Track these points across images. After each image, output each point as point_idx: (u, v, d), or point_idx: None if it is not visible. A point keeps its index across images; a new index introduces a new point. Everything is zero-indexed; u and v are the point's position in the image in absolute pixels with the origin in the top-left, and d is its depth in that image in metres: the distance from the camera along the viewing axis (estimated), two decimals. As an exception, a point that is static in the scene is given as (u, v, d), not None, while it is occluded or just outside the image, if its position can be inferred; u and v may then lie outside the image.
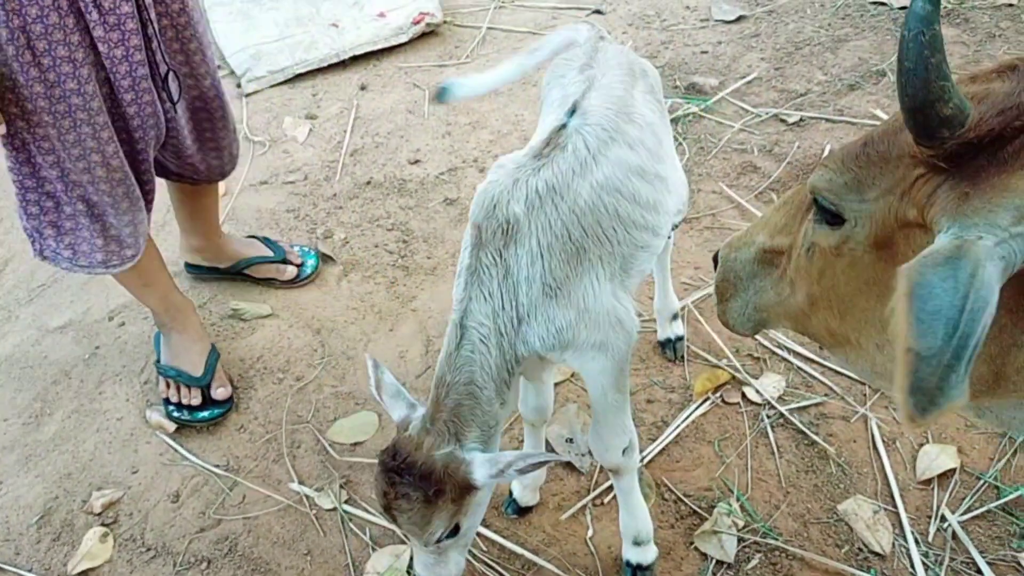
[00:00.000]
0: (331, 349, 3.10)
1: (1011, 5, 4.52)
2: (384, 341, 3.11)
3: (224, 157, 2.85)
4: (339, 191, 3.82)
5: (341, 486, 2.64)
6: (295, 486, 2.65)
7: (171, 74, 2.46)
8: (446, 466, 1.71)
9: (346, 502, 2.60)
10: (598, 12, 4.93)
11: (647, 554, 2.31)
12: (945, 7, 4.56)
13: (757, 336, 2.83)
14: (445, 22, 4.91)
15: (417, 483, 1.69)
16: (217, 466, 2.74)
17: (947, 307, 0.94)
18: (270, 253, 3.32)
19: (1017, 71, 1.10)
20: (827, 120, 3.92)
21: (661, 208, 1.98)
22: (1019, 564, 2.28)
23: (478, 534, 2.48)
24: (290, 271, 3.32)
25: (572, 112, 1.86)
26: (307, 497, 2.62)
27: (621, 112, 1.91)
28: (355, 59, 4.68)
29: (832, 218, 1.31)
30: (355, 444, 2.77)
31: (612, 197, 1.80)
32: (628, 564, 2.32)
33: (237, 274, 3.33)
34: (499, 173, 1.77)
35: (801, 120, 3.94)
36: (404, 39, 4.74)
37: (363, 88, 4.50)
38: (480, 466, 1.74)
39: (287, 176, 3.94)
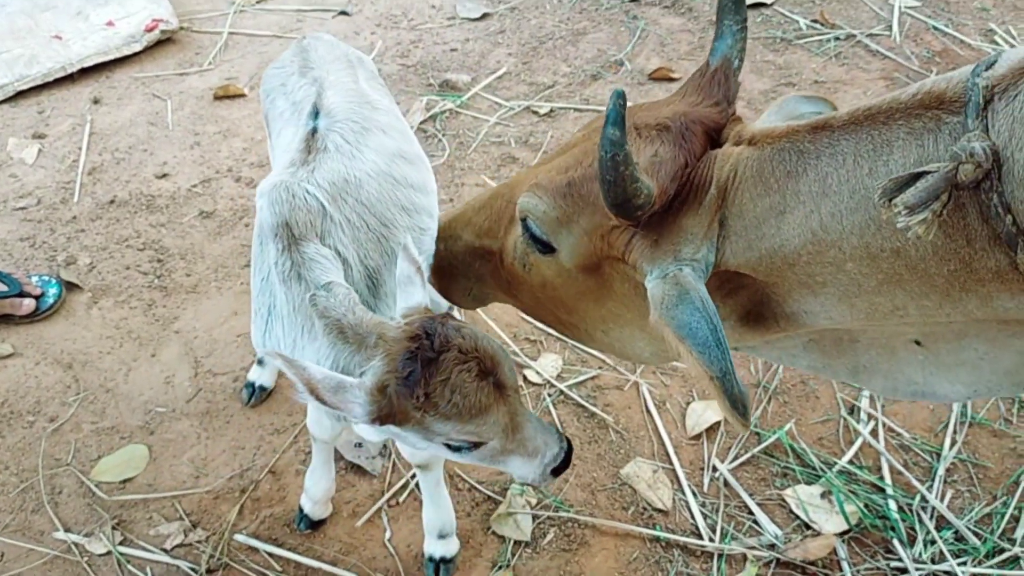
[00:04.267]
0: (86, 383, 2.84)
1: (725, -4, 4.93)
2: (147, 368, 2.90)
3: None
4: (79, 213, 3.51)
5: (114, 527, 2.43)
6: (61, 535, 2.41)
7: None
8: (407, 316, 1.54)
9: (121, 543, 2.39)
10: (344, 13, 4.87)
11: (451, 546, 2.31)
12: (669, -1, 4.91)
13: (530, 319, 2.90)
14: (182, 28, 4.65)
15: (440, 320, 1.47)
16: (-37, 528, 2.44)
17: (706, 332, 1.23)
18: (3, 287, 3.00)
19: (671, 131, 1.38)
20: (575, 109, 4.10)
21: (429, 188, 1.99)
22: (784, 500, 2.49)
23: (271, 555, 2.37)
24: (27, 304, 3.01)
25: (316, 115, 1.83)
26: (76, 545, 2.39)
27: (362, 103, 1.92)
28: (84, 72, 4.32)
29: (543, 247, 1.53)
30: (124, 481, 2.56)
31: (387, 184, 1.80)
32: (431, 559, 2.30)
33: (-34, 314, 2.99)
34: (277, 179, 1.69)
35: (551, 111, 4.09)
36: (138, 48, 4.44)
37: (96, 102, 4.17)
38: (409, 294, 1.56)
39: (16, 202, 3.57)
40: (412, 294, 1.55)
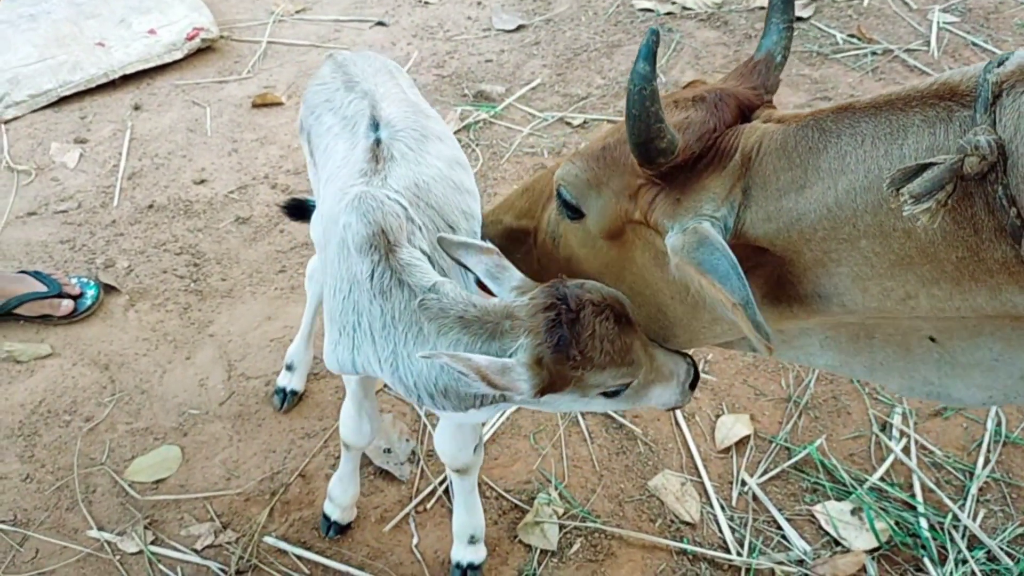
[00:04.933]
0: (122, 385, 2.89)
1: (764, 8, 4.92)
2: (181, 371, 2.94)
3: None
4: (118, 217, 3.58)
5: (146, 527, 2.46)
6: (94, 533, 2.45)
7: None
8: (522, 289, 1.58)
9: (152, 543, 2.43)
10: (381, 24, 4.92)
11: (479, 553, 2.31)
12: (706, 11, 4.91)
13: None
14: (222, 37, 4.73)
15: (552, 284, 1.51)
16: (3, 522, 2.49)
17: (727, 266, 1.28)
18: (43, 288, 3.06)
19: (705, 101, 1.44)
20: (609, 121, 4.10)
21: (476, 193, 2.02)
22: (813, 516, 2.47)
23: (300, 558, 2.39)
24: (66, 305, 3.06)
25: (376, 127, 1.85)
26: (108, 543, 2.43)
27: (416, 112, 1.94)
28: (126, 79, 4.41)
29: (573, 212, 1.59)
30: (157, 482, 2.60)
31: (449, 189, 1.83)
32: (458, 566, 2.31)
33: (7, 314, 3.05)
34: (360, 193, 1.70)
35: (585, 122, 4.10)
36: (179, 56, 4.53)
37: (137, 108, 4.25)
38: (509, 276, 1.62)
39: (58, 205, 3.65)
40: (509, 275, 1.59)
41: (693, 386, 1.66)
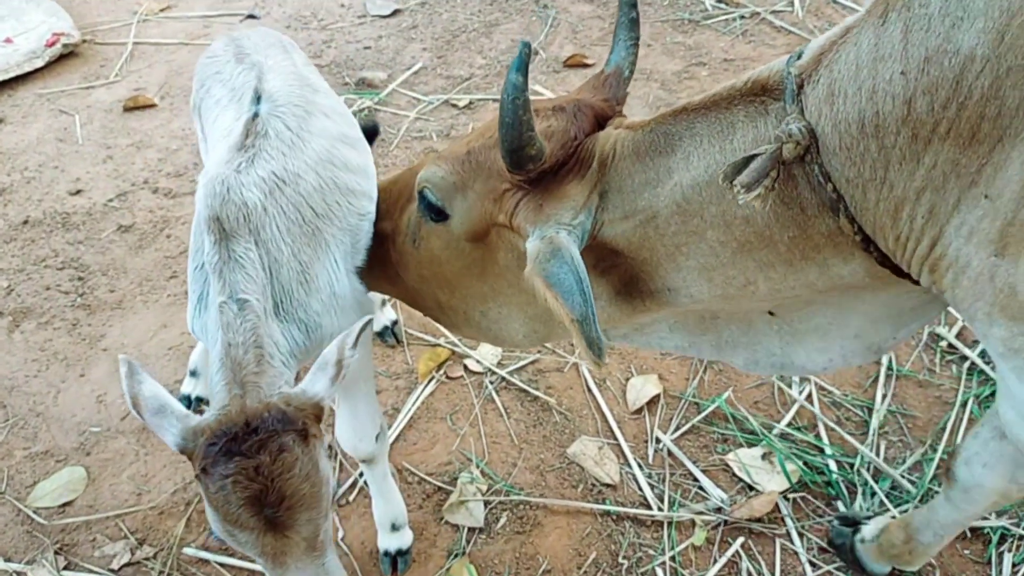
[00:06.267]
0: (15, 409, 2.75)
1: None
2: (77, 389, 2.81)
3: None
4: (-9, 236, 3.39)
5: (56, 552, 2.36)
6: (1, 565, 2.34)
7: None
8: (288, 401, 1.44)
9: (65, 568, 2.33)
10: (252, 16, 4.80)
11: (404, 538, 2.31)
12: (577, -13, 4.96)
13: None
14: (84, 41, 4.52)
15: (281, 428, 1.39)
16: None
17: (572, 282, 1.35)
18: (-83, 316, 2.89)
19: (565, 111, 1.54)
20: (494, 100, 4.11)
21: (369, 171, 1.98)
22: (727, 465, 2.56)
23: (223, 565, 2.34)
24: (-54, 332, 2.90)
25: (258, 100, 1.80)
26: (18, 574, 2.32)
27: (303, 85, 1.90)
28: (-16, 91, 4.18)
29: (437, 214, 1.64)
30: (64, 505, 2.49)
31: (328, 170, 1.78)
32: (387, 553, 2.30)
33: None
34: (215, 172, 1.66)
35: (470, 103, 4.10)
36: (40, 63, 4.31)
37: (0, 121, 4.03)
38: (315, 380, 1.50)
39: (-78, 229, 3.44)
40: (317, 382, 1.50)
41: None
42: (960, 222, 1.19)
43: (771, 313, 1.61)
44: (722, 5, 4.76)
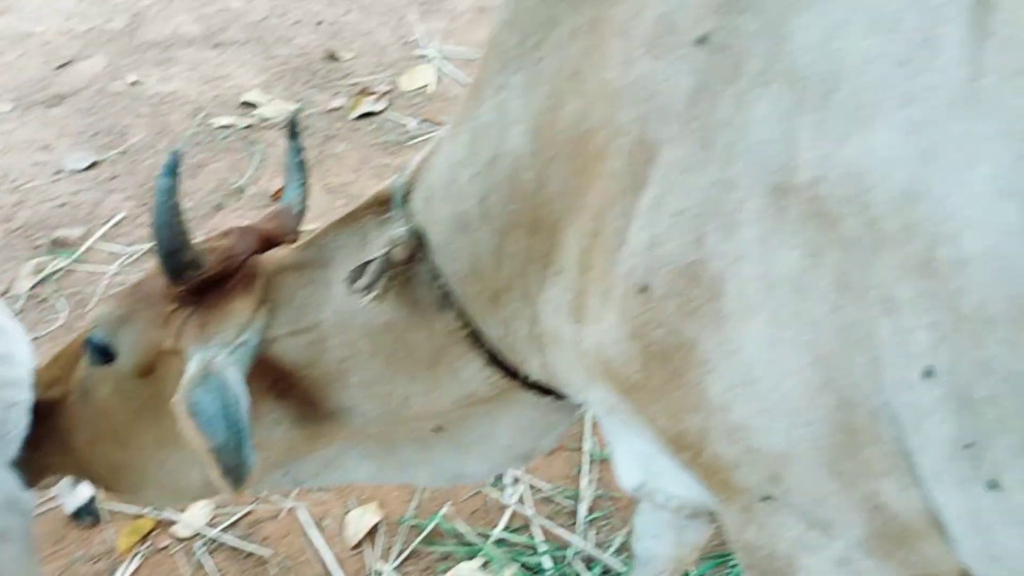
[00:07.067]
0: None
1: (338, 108, 5.13)
2: None
3: None
4: None
5: None
6: None
7: None
8: None
9: None
10: (-70, 187, 4.48)
11: None
12: (286, 119, 5.02)
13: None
14: None
15: None
16: None
17: (216, 411, 1.32)
18: None
19: (231, 233, 1.57)
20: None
21: (17, 359, 1.86)
22: (447, 584, 2.55)
23: None
24: None
25: None
26: None
27: None
28: None
29: (104, 356, 1.58)
30: None
31: None
32: None
33: None
34: None
35: (177, 248, 4.00)
36: None
37: None
38: None
39: None
40: None
41: None
42: (546, 299, 1.33)
43: (441, 428, 1.65)
44: (426, 123, 4.96)
